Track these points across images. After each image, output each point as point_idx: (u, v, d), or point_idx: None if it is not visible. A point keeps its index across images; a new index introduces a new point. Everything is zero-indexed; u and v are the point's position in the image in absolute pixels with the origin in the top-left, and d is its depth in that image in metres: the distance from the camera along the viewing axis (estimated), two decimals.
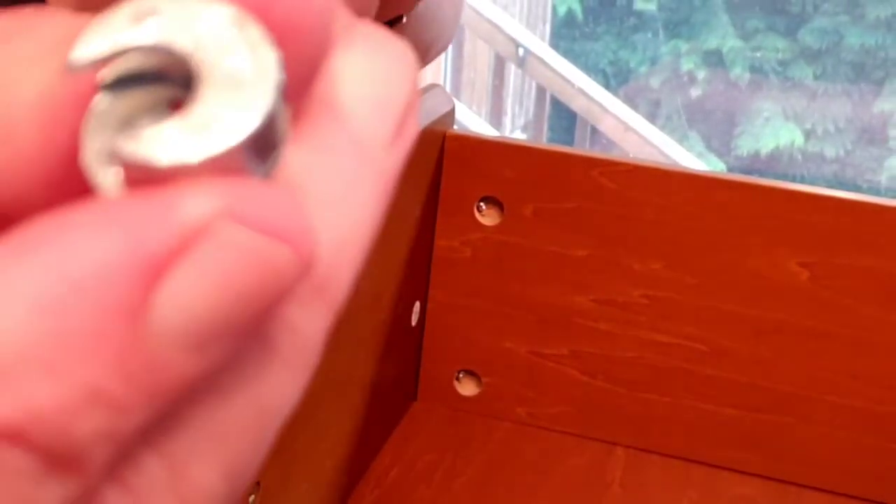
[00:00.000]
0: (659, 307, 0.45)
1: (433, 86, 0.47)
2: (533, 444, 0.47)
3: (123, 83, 0.09)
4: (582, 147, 2.41)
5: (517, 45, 2.62)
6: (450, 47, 2.63)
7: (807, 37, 3.41)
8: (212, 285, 0.08)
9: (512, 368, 0.48)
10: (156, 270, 0.08)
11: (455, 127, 0.48)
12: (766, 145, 3.43)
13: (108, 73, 0.09)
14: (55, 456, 0.08)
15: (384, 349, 0.44)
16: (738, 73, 3.49)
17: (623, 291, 0.45)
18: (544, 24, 3.33)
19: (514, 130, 3.05)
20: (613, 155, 0.47)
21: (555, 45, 3.17)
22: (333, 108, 0.11)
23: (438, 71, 2.53)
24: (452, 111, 0.48)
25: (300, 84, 0.10)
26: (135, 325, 0.08)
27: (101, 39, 0.09)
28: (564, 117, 2.92)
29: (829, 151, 3.38)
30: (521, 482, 0.45)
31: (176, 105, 0.09)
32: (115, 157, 0.09)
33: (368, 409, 0.44)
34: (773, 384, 0.45)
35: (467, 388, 0.50)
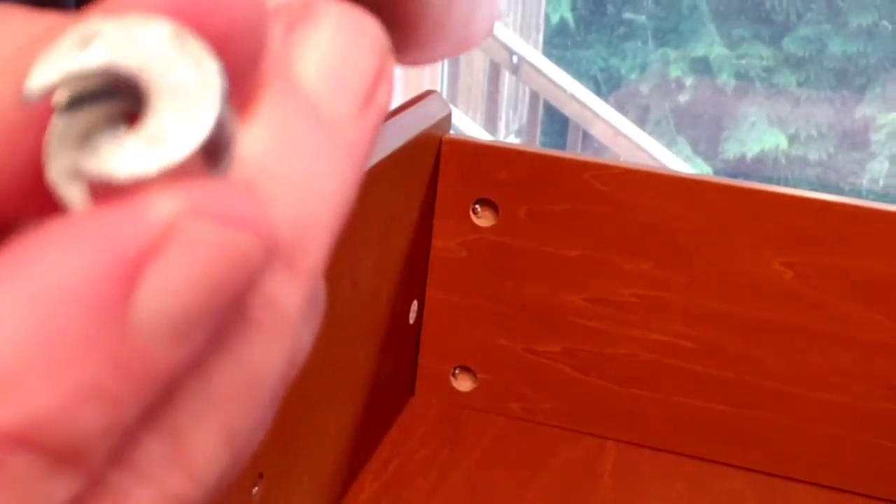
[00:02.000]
0: (649, 306, 0.46)
1: (430, 92, 0.48)
2: (527, 438, 0.49)
3: (78, 102, 0.10)
4: (574, 151, 2.42)
5: (511, 52, 2.64)
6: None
7: (791, 45, 3.44)
8: (187, 278, 0.09)
9: (507, 365, 0.49)
10: (133, 271, 0.09)
11: (451, 131, 0.49)
12: (752, 149, 3.46)
13: (62, 96, 0.10)
14: (60, 454, 0.09)
15: (383, 346, 0.45)
16: (725, 79, 3.52)
17: (614, 290, 0.47)
18: (537, 32, 3.34)
19: (509, 135, 3.06)
20: (604, 158, 0.48)
21: (548, 52, 3.18)
22: (290, 85, 0.11)
23: (435, 78, 2.53)
24: (449, 116, 0.49)
25: (243, 76, 0.11)
26: (120, 323, 0.09)
27: (51, 68, 0.09)
28: (557, 122, 2.93)
29: (813, 155, 3.41)
30: (515, 475, 0.46)
31: (131, 117, 0.10)
32: (77, 174, 0.10)
33: (368, 404, 0.45)
34: (759, 380, 0.46)
35: (463, 383, 0.51)
